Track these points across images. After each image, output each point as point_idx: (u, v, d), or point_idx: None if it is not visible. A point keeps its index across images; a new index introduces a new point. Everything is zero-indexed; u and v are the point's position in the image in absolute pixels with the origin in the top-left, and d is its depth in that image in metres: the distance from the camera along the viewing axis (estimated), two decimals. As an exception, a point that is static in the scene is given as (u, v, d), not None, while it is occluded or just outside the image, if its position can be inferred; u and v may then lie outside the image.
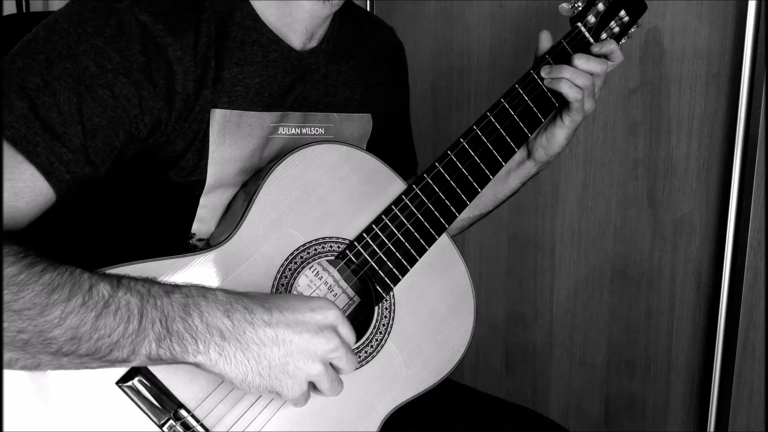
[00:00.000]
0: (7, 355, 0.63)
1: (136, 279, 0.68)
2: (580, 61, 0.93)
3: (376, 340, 0.85)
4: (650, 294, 1.47)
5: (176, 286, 0.69)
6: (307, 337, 0.69)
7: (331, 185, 0.83)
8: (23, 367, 0.65)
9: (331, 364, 0.73)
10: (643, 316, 1.49)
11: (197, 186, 0.81)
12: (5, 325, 0.61)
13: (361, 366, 0.83)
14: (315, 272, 0.86)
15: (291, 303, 0.71)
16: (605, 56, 0.96)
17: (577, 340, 1.56)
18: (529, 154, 1.01)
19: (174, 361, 0.67)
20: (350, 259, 0.84)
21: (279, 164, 0.81)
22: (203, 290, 0.69)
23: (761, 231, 1.31)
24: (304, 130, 0.89)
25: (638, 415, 1.52)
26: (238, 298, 0.69)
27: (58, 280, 0.63)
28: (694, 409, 1.47)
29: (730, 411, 1.37)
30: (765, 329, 1.34)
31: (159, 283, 0.68)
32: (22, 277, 0.62)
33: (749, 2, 1.25)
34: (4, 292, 0.61)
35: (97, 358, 0.65)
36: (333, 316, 0.71)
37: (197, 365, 0.68)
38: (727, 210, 1.34)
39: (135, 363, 0.67)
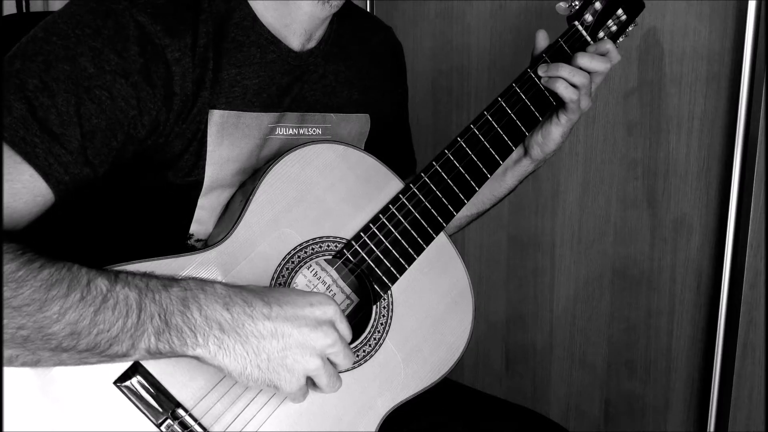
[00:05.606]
0: (7, 352, 0.63)
1: (134, 273, 0.68)
2: (584, 59, 0.93)
3: (375, 339, 0.85)
4: (650, 294, 1.47)
5: (174, 280, 0.69)
6: (306, 331, 0.70)
7: (329, 185, 0.84)
8: (23, 364, 0.65)
9: (329, 360, 0.73)
10: (643, 316, 1.48)
11: (195, 186, 0.81)
12: (5, 321, 0.62)
13: (359, 365, 0.83)
14: (313, 271, 0.86)
15: (290, 297, 0.71)
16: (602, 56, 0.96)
17: (577, 340, 1.56)
18: (526, 152, 1.01)
19: (173, 354, 0.67)
20: (348, 258, 0.84)
21: (276, 164, 0.81)
22: (202, 283, 0.69)
23: (761, 231, 1.31)
24: (301, 131, 0.90)
25: (638, 415, 1.52)
26: (237, 292, 0.70)
27: (57, 275, 0.64)
28: (694, 409, 1.46)
29: (730, 411, 1.37)
30: (765, 329, 1.33)
31: (157, 277, 0.69)
32: (20, 274, 0.62)
33: (749, 2, 1.25)
34: (3, 288, 0.62)
35: (97, 353, 0.65)
36: (332, 312, 0.71)
37: (197, 358, 0.68)
38: (727, 210, 1.34)
39: (135, 357, 0.68)
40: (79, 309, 0.64)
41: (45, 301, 0.63)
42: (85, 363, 0.67)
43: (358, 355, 0.84)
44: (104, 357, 0.66)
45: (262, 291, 0.71)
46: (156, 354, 0.67)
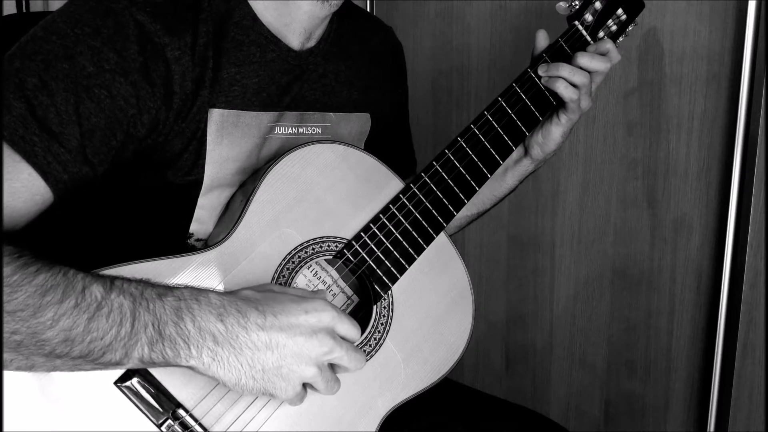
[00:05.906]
0: (2, 356, 0.63)
1: (129, 280, 0.68)
2: (584, 59, 0.93)
3: (375, 339, 0.85)
4: (650, 294, 1.47)
5: (169, 289, 0.68)
6: (301, 340, 0.69)
7: (329, 184, 0.83)
8: (18, 368, 0.65)
9: (332, 365, 0.73)
10: (643, 316, 1.48)
11: (195, 186, 0.81)
12: None
13: (359, 365, 0.84)
14: (313, 271, 0.86)
15: (285, 305, 0.70)
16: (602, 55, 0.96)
17: (577, 340, 1.56)
18: (526, 152, 1.01)
19: (167, 364, 0.67)
20: (348, 258, 0.84)
21: (276, 164, 0.81)
22: (196, 293, 0.69)
23: (761, 231, 1.31)
24: (300, 130, 0.90)
25: (638, 415, 1.52)
26: (231, 301, 0.69)
27: (52, 281, 0.63)
28: (694, 409, 1.46)
29: (730, 411, 1.37)
30: (765, 329, 1.33)
31: (152, 285, 0.68)
32: (15, 278, 0.62)
33: (749, 2, 1.25)
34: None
35: (90, 360, 0.65)
36: (328, 318, 0.71)
37: (191, 368, 0.68)
38: (727, 210, 1.34)
39: (128, 366, 0.67)
40: (73, 316, 0.63)
41: (39, 307, 0.62)
42: (79, 369, 0.67)
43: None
44: (98, 364, 0.66)
45: (257, 299, 0.70)
46: (149, 363, 0.67)
